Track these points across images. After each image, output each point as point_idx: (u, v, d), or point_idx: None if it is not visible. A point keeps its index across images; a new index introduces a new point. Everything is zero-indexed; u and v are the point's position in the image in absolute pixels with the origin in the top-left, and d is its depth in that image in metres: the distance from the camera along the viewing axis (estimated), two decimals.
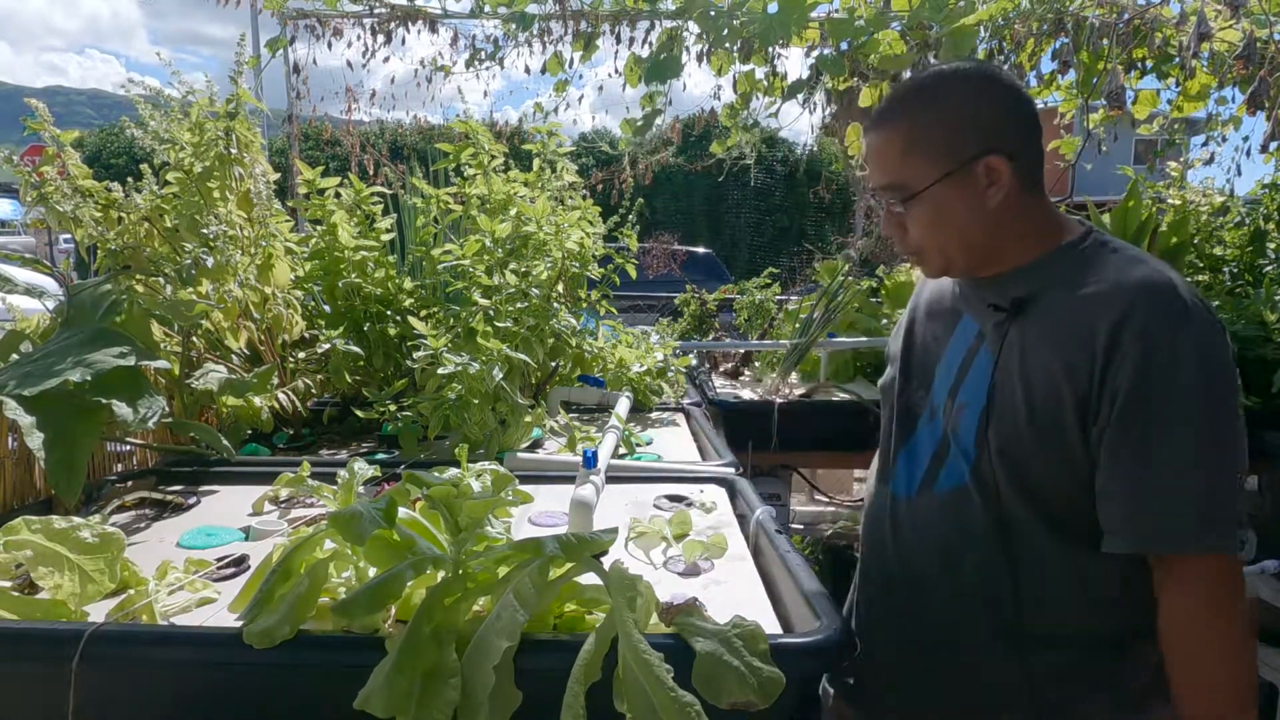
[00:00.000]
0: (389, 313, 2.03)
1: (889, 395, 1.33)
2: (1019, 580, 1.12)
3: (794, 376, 3.23)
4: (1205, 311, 1.03)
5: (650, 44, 3.62)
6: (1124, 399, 1.01)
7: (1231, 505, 1.02)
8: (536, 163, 2.26)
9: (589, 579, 0.86)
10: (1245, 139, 3.81)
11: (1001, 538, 1.12)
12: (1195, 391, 1.00)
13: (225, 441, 1.52)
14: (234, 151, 1.72)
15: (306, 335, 1.97)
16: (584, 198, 2.29)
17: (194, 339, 1.70)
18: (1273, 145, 2.94)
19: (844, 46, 3.33)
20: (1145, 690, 1.10)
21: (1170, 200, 3.74)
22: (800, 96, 3.82)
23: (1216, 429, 1.02)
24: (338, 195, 2.05)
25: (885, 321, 3.22)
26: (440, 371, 1.59)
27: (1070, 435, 1.05)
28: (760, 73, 3.72)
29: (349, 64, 4.13)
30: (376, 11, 3.89)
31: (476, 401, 1.61)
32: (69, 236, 1.58)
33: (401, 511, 0.90)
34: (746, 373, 3.55)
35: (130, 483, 1.43)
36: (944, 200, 1.12)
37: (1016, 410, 1.09)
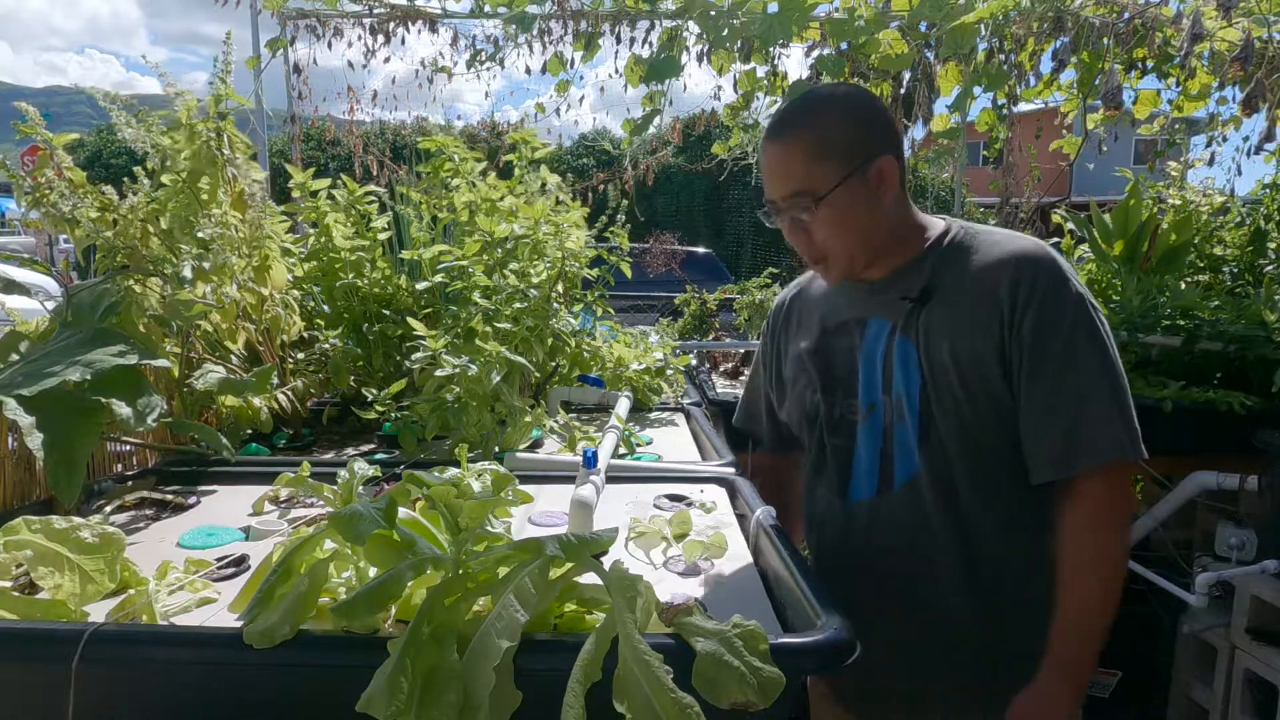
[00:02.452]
0: (387, 313, 2.03)
1: (812, 417, 1.41)
2: (982, 544, 1.25)
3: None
4: (1070, 267, 1.23)
5: (651, 44, 3.62)
6: (1030, 343, 1.18)
7: (1129, 415, 1.18)
8: (518, 171, 2.26)
9: (589, 579, 0.86)
10: (1245, 139, 3.81)
11: (960, 516, 1.25)
12: (1086, 329, 1.18)
13: (225, 441, 1.52)
14: (226, 152, 1.71)
15: (305, 336, 1.97)
16: (572, 198, 2.29)
17: (193, 340, 1.70)
18: (1269, 146, 2.94)
19: (844, 46, 3.33)
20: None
21: (1170, 200, 3.74)
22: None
23: (1110, 358, 1.19)
24: (331, 196, 2.04)
25: None
26: (438, 373, 1.59)
27: (997, 387, 1.21)
28: (761, 72, 3.72)
29: (350, 64, 4.13)
30: (376, 11, 3.89)
31: (474, 403, 1.60)
32: (69, 236, 1.57)
33: (401, 511, 0.90)
34: (746, 373, 3.55)
35: (130, 483, 1.43)
36: (847, 201, 1.23)
37: (950, 382, 1.23)
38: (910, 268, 1.29)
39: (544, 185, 2.25)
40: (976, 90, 3.48)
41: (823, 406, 1.38)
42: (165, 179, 1.66)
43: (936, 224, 1.33)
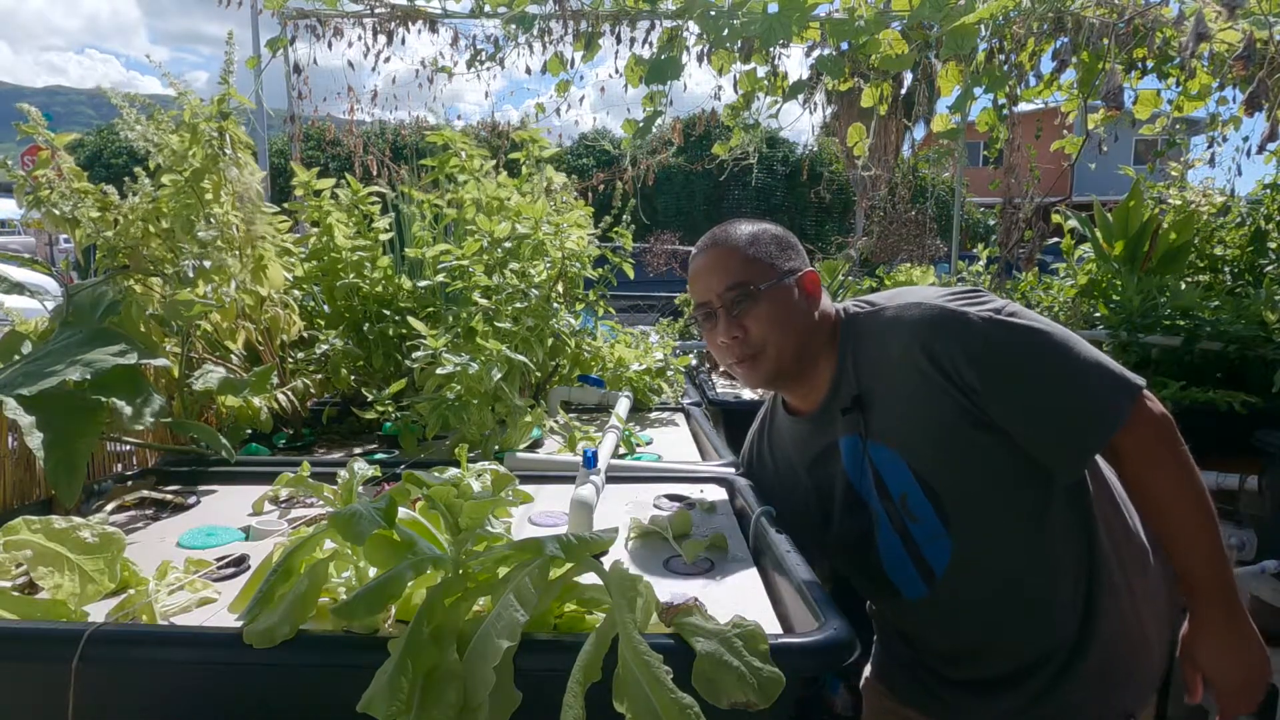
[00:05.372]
0: (388, 313, 2.03)
1: (839, 548, 1.43)
2: (1040, 571, 1.26)
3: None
4: (960, 293, 1.25)
5: (651, 44, 3.62)
6: (985, 389, 1.18)
7: (1109, 365, 1.18)
8: (525, 169, 2.27)
9: (589, 579, 0.86)
10: (1245, 139, 3.80)
11: (1013, 567, 1.26)
12: (1016, 342, 1.18)
13: (225, 442, 1.52)
14: (228, 152, 1.71)
15: (305, 335, 1.97)
16: (576, 197, 2.29)
17: (193, 340, 1.70)
18: (1271, 146, 2.94)
19: (844, 47, 3.33)
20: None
21: (1171, 200, 3.74)
22: (800, 97, 3.82)
23: (1054, 341, 1.18)
24: (334, 196, 2.04)
25: None
26: (439, 371, 1.59)
27: (979, 438, 1.21)
28: (761, 72, 3.72)
29: (350, 64, 4.13)
30: (377, 11, 3.89)
31: (475, 402, 1.60)
32: (69, 237, 1.57)
33: (401, 511, 0.90)
34: None
35: (130, 483, 1.43)
36: (782, 299, 1.30)
37: (937, 462, 1.25)
38: (838, 378, 1.32)
39: (549, 186, 2.25)
40: (977, 90, 3.48)
41: (846, 533, 1.40)
42: (166, 179, 1.66)
43: (833, 316, 1.36)
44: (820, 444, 1.38)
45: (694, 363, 2.88)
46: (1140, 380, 1.19)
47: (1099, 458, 1.30)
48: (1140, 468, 1.21)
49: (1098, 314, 3.09)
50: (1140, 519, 1.30)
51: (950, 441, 1.23)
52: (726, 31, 3.20)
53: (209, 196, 1.69)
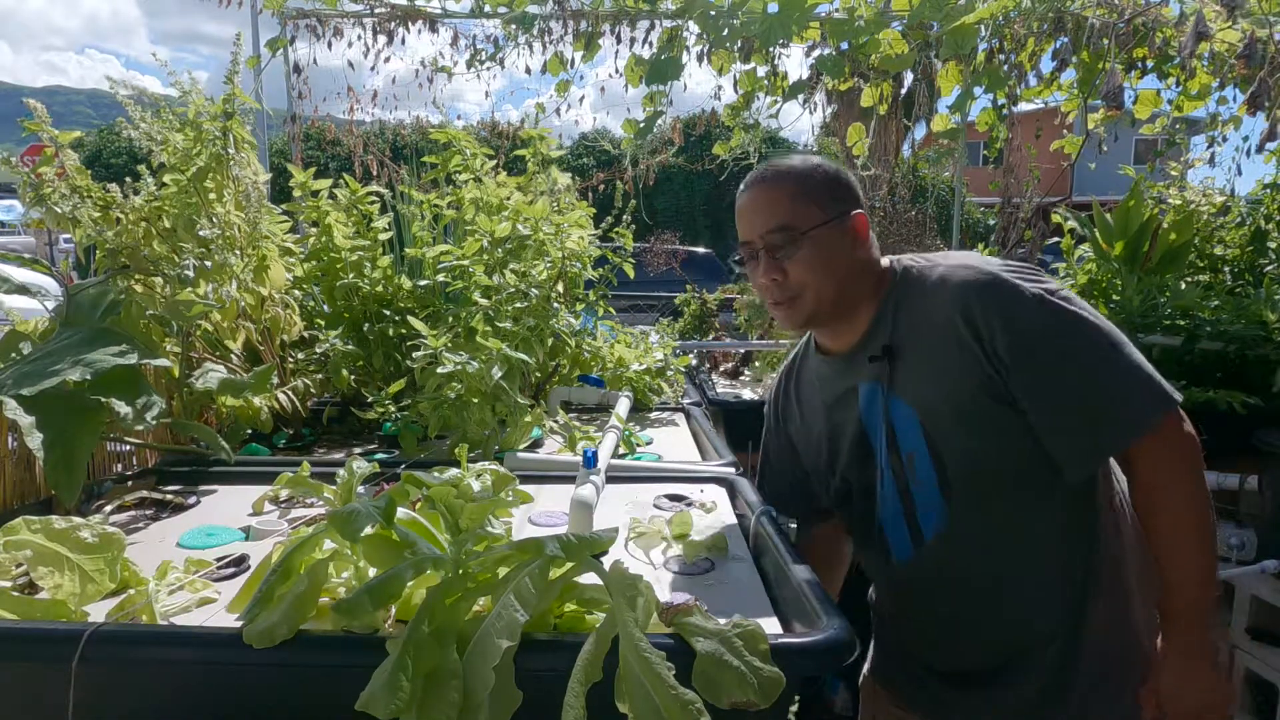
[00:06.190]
0: (387, 313, 2.03)
1: (844, 494, 1.43)
2: (1033, 562, 1.26)
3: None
4: (1015, 267, 1.21)
5: (651, 44, 3.62)
6: (1014, 363, 1.16)
7: (1150, 372, 1.16)
8: (530, 166, 2.26)
9: (589, 579, 0.86)
10: (1245, 139, 3.81)
11: (1000, 551, 1.26)
12: (1061, 322, 1.16)
13: (224, 444, 1.52)
14: (231, 151, 1.71)
15: (306, 335, 1.97)
16: (579, 197, 2.29)
17: (193, 339, 1.70)
18: (1271, 145, 2.94)
19: (844, 46, 3.33)
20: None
21: (1171, 200, 3.74)
22: (800, 97, 3.82)
23: (1099, 333, 1.16)
24: (333, 196, 2.04)
25: None
26: (440, 370, 1.59)
27: (997, 413, 1.20)
28: (761, 72, 3.72)
29: (350, 64, 4.13)
30: (377, 11, 3.89)
31: (476, 401, 1.60)
32: (69, 236, 1.57)
33: (401, 511, 0.90)
34: (746, 373, 3.55)
35: (130, 483, 1.43)
36: (827, 242, 1.27)
37: (951, 426, 1.24)
38: (875, 324, 1.31)
39: (554, 186, 2.24)
40: (977, 90, 3.48)
41: (849, 480, 1.40)
42: (168, 178, 1.66)
43: (886, 270, 1.34)
44: (843, 386, 1.37)
45: (694, 363, 2.88)
46: (1178, 395, 1.16)
47: (1119, 472, 1.29)
48: (1154, 483, 1.19)
49: None
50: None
51: (968, 411, 1.21)
52: (726, 31, 3.20)
53: (212, 196, 1.69)
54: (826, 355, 1.41)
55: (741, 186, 1.36)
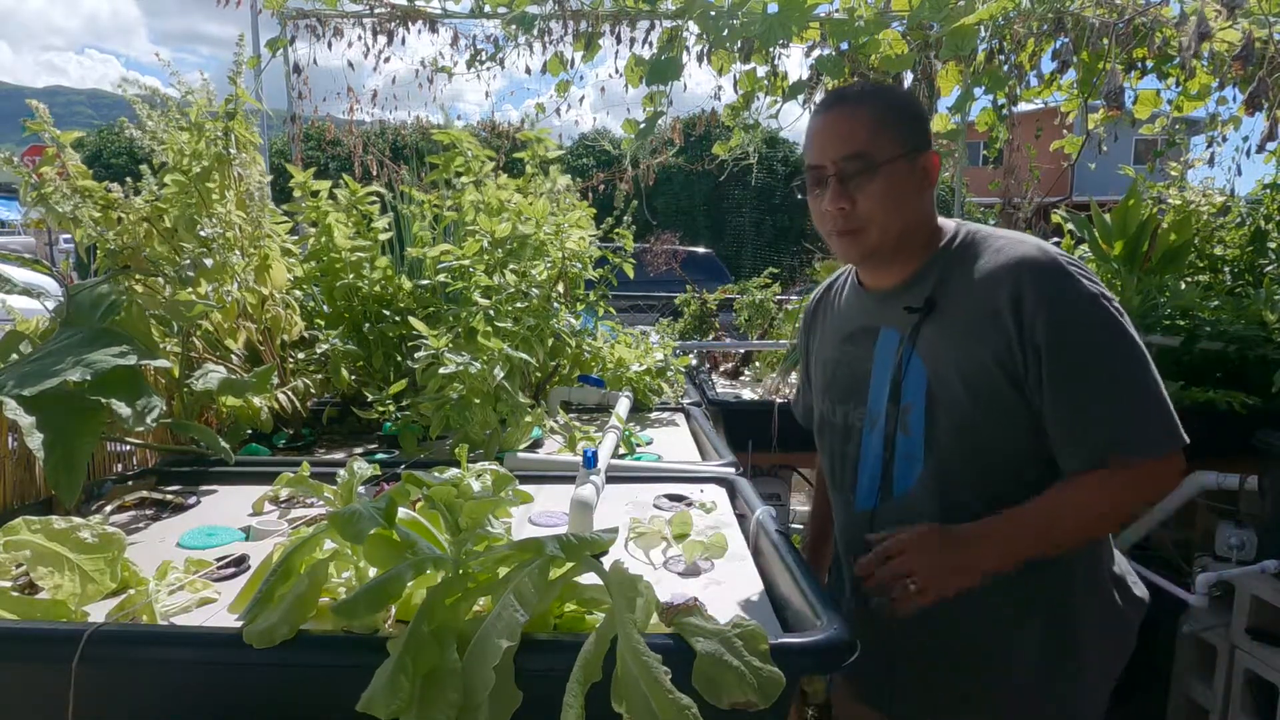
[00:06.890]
0: (387, 313, 2.03)
1: (826, 423, 1.44)
2: None
3: (794, 376, 3.23)
4: (1078, 263, 1.20)
5: (651, 44, 3.62)
6: (1048, 351, 1.15)
7: (1169, 406, 1.15)
8: (529, 168, 2.26)
9: (589, 579, 0.86)
10: (1245, 139, 3.80)
11: (952, 511, 1.24)
12: (1105, 327, 1.15)
13: (224, 444, 1.52)
14: (233, 152, 1.71)
15: (306, 335, 1.97)
16: (580, 198, 2.29)
17: (193, 339, 1.70)
18: (1270, 146, 2.94)
19: (844, 47, 3.33)
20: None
21: (1171, 200, 3.74)
22: (800, 97, 3.81)
23: (1135, 353, 1.15)
24: (333, 196, 2.04)
25: None
26: (442, 371, 1.59)
27: (1007, 396, 1.19)
28: (761, 72, 3.72)
29: (350, 64, 4.13)
30: (377, 11, 3.88)
31: (478, 401, 1.60)
32: (69, 236, 1.57)
33: (401, 511, 0.90)
34: (746, 373, 3.55)
35: (130, 483, 1.43)
36: (898, 177, 1.24)
37: (957, 395, 1.22)
38: (919, 275, 1.30)
39: (553, 187, 2.25)
40: (977, 91, 3.48)
41: (836, 413, 1.40)
42: (169, 178, 1.66)
43: (948, 226, 1.33)
44: (865, 323, 1.37)
45: (694, 363, 2.88)
46: (1179, 440, 1.15)
47: None
48: (1099, 487, 1.16)
49: None
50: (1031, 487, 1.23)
51: (978, 384, 1.20)
52: (726, 31, 3.20)
53: (214, 196, 1.69)
54: (862, 289, 1.40)
55: (819, 105, 1.32)
